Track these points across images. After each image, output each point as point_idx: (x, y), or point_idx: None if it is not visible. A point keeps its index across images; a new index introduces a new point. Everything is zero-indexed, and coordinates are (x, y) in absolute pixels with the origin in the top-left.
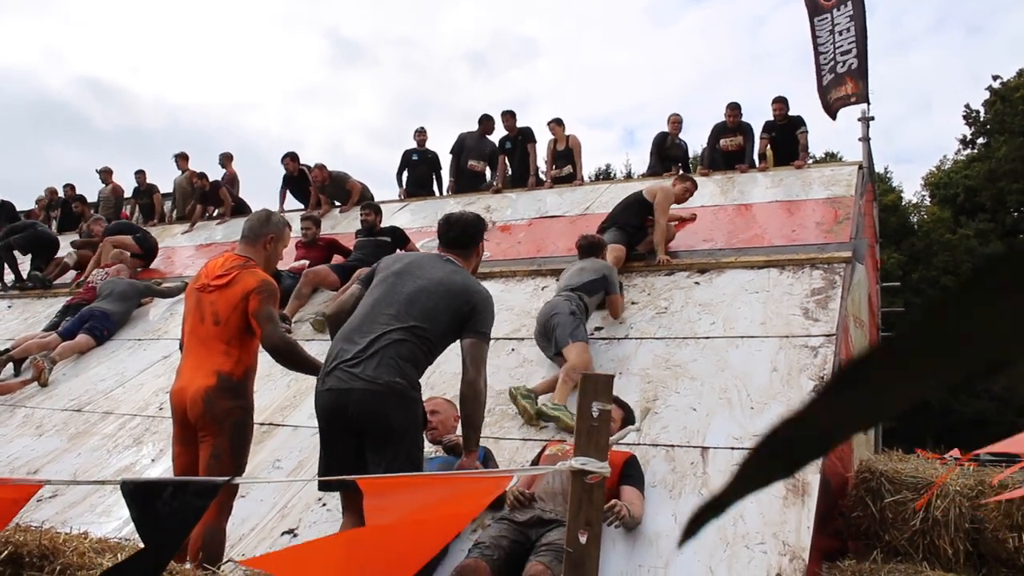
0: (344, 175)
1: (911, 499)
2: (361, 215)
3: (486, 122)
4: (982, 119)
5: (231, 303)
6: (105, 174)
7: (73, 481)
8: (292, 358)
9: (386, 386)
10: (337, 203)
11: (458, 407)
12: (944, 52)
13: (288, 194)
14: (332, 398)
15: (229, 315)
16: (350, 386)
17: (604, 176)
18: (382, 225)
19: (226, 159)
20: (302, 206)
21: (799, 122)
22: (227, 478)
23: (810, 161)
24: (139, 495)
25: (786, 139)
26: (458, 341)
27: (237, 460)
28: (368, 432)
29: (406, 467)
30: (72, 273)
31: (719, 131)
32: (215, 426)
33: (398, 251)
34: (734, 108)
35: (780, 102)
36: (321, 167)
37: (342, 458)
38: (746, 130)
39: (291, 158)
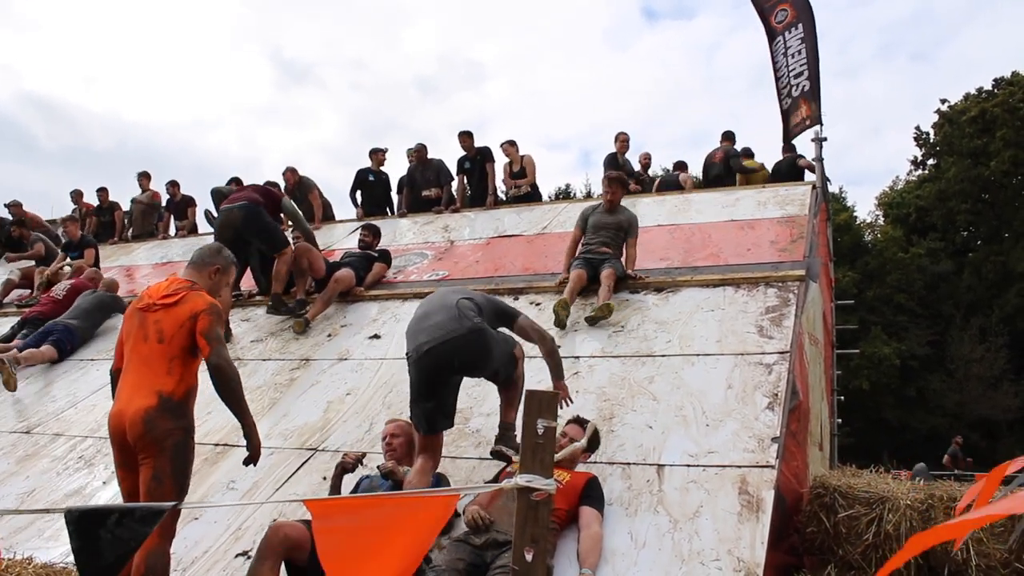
0: (310, 184)
1: (864, 514)
2: (360, 234)
3: (421, 150)
4: (932, 141)
5: (178, 321)
6: (76, 196)
7: (16, 511)
8: (230, 385)
9: (470, 330)
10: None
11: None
12: (892, 77)
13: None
14: (436, 351)
15: (175, 333)
16: (447, 337)
17: (564, 196)
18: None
19: (172, 185)
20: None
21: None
22: (173, 503)
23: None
24: (82, 523)
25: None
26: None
27: (179, 482)
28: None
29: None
30: (17, 292)
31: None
32: (155, 447)
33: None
34: (681, 165)
35: (727, 139)
36: (293, 171)
37: (446, 397)
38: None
39: (291, 172)
